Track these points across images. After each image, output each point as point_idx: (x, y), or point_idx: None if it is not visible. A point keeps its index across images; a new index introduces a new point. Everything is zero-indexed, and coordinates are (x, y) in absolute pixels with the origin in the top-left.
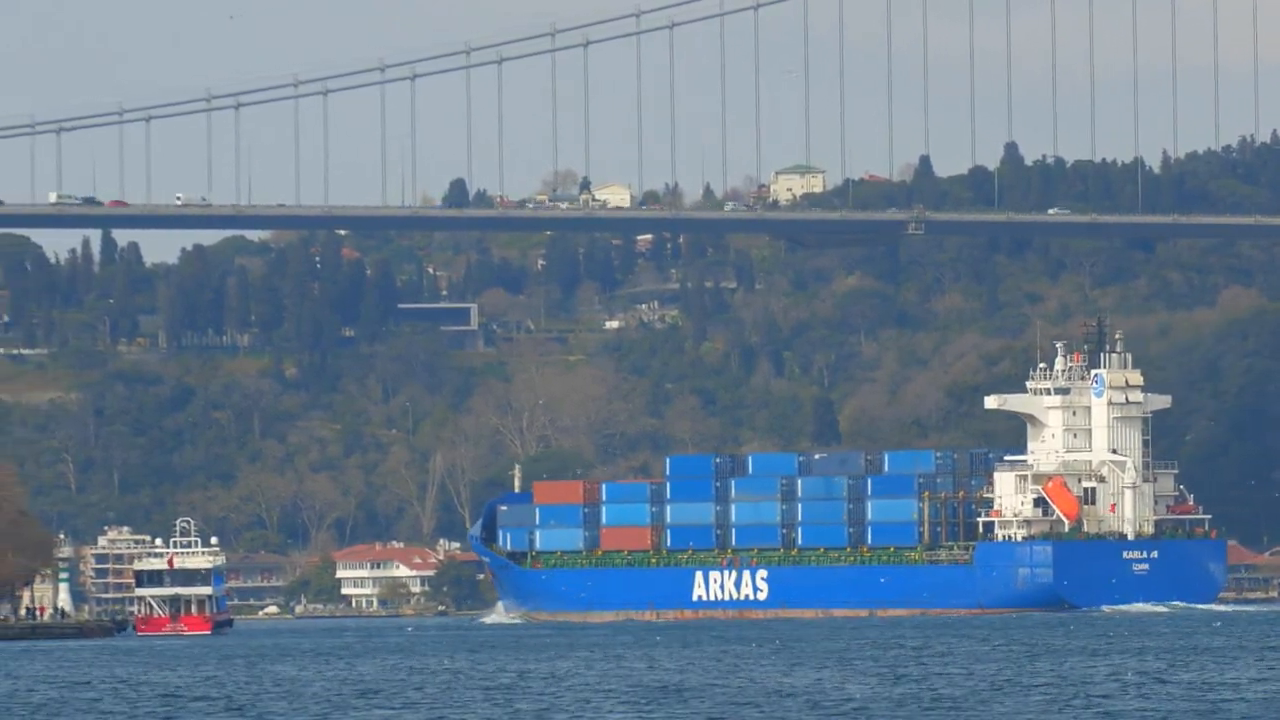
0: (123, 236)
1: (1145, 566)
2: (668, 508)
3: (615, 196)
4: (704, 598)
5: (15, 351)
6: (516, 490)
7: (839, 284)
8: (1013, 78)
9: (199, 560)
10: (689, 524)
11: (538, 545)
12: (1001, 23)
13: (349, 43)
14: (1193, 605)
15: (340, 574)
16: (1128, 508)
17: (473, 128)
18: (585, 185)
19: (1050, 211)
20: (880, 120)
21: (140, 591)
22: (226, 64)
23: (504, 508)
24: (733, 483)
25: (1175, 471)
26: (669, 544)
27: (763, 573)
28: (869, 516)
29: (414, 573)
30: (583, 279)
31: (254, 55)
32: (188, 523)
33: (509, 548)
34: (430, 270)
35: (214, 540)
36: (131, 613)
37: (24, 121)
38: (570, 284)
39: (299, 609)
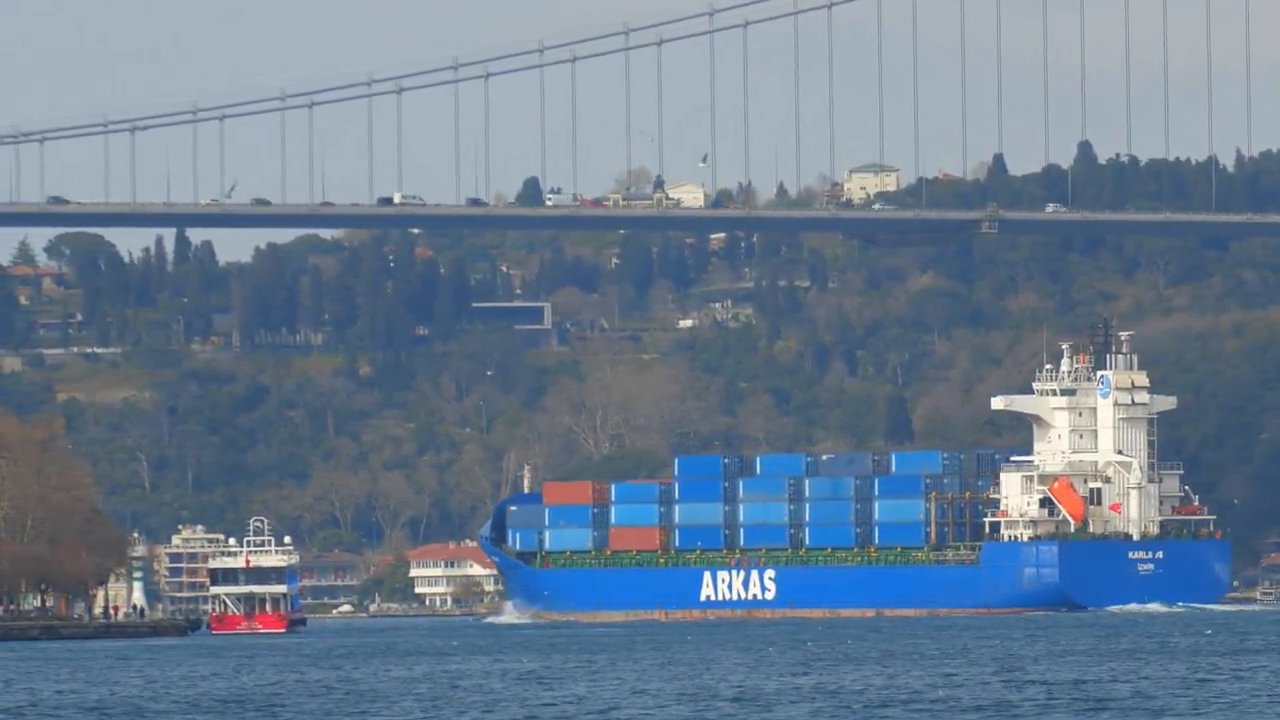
0: (196, 235)
1: (1150, 567)
2: (676, 508)
3: (689, 195)
4: (712, 597)
5: (89, 351)
6: (526, 491)
7: (912, 283)
8: (1087, 76)
9: (274, 559)
10: (697, 524)
11: (547, 545)
12: (1076, 20)
13: (423, 41)
14: (1199, 606)
15: (414, 573)
16: (1133, 508)
17: (546, 126)
18: (659, 184)
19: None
20: (954, 118)
21: (215, 590)
22: (301, 62)
23: (513, 508)
24: (741, 483)
25: (1180, 472)
26: (677, 544)
27: (770, 573)
28: (876, 517)
29: (487, 571)
30: (656, 278)
31: (328, 54)
32: (262, 521)
33: (518, 548)
34: (504, 269)
35: (287, 539)
36: (205, 611)
37: (98, 121)
38: (644, 283)
39: (373, 608)
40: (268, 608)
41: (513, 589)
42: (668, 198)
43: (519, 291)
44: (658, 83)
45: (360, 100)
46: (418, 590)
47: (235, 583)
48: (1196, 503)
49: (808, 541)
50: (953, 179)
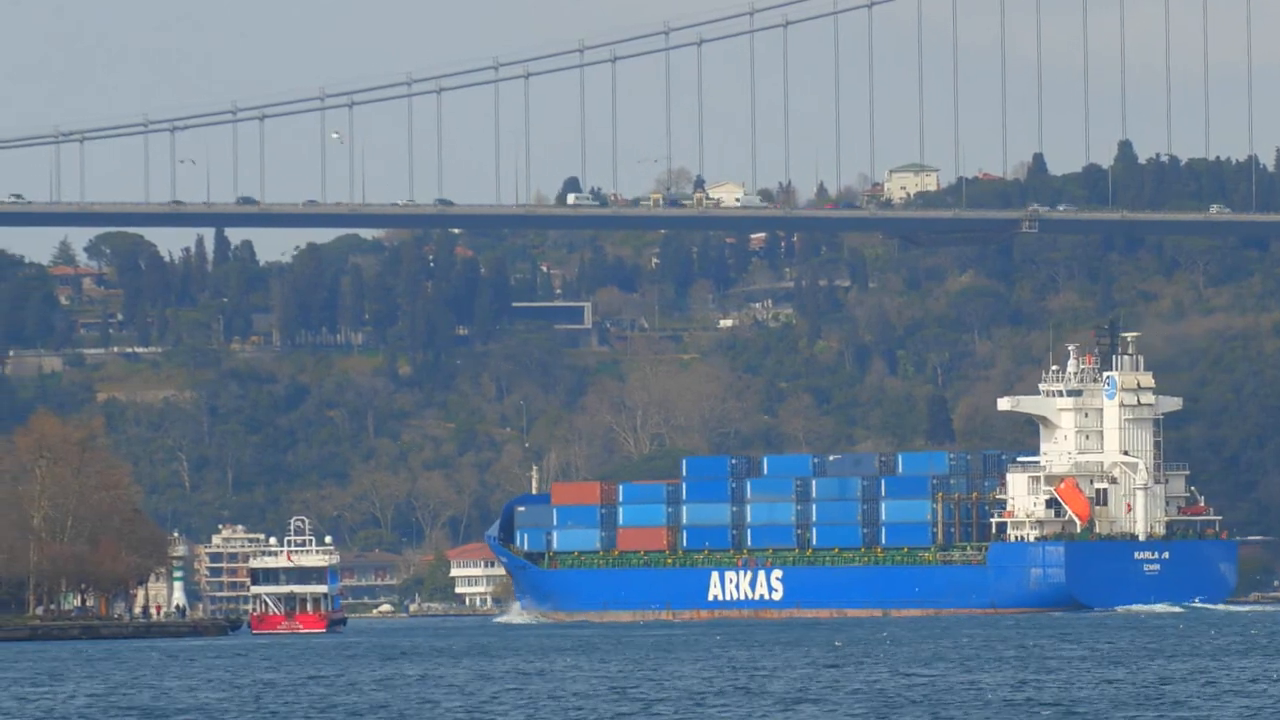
0: (236, 235)
1: (1157, 567)
2: (684, 508)
3: (729, 195)
4: (719, 598)
5: (130, 350)
6: (534, 491)
7: (952, 282)
8: (1127, 76)
9: (314, 558)
10: (705, 524)
11: (555, 546)
12: (1116, 20)
13: (463, 41)
14: (1206, 605)
15: (454, 572)
16: (1139, 509)
17: (586, 126)
18: (699, 184)
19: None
20: (994, 118)
21: (256, 590)
22: (340, 63)
23: (521, 508)
24: (748, 484)
25: (1186, 473)
26: (685, 544)
27: (778, 573)
28: (883, 517)
29: None
30: (696, 277)
31: (367, 54)
32: (302, 521)
33: (526, 548)
34: (544, 269)
35: (328, 539)
36: (245, 611)
37: (138, 121)
38: (684, 282)
39: (413, 607)
40: (308, 607)
41: (521, 589)
42: (708, 198)
43: (559, 291)
44: (698, 82)
45: (400, 100)
46: (458, 590)
47: (276, 582)
48: (1202, 503)
49: (815, 542)
50: (992, 179)
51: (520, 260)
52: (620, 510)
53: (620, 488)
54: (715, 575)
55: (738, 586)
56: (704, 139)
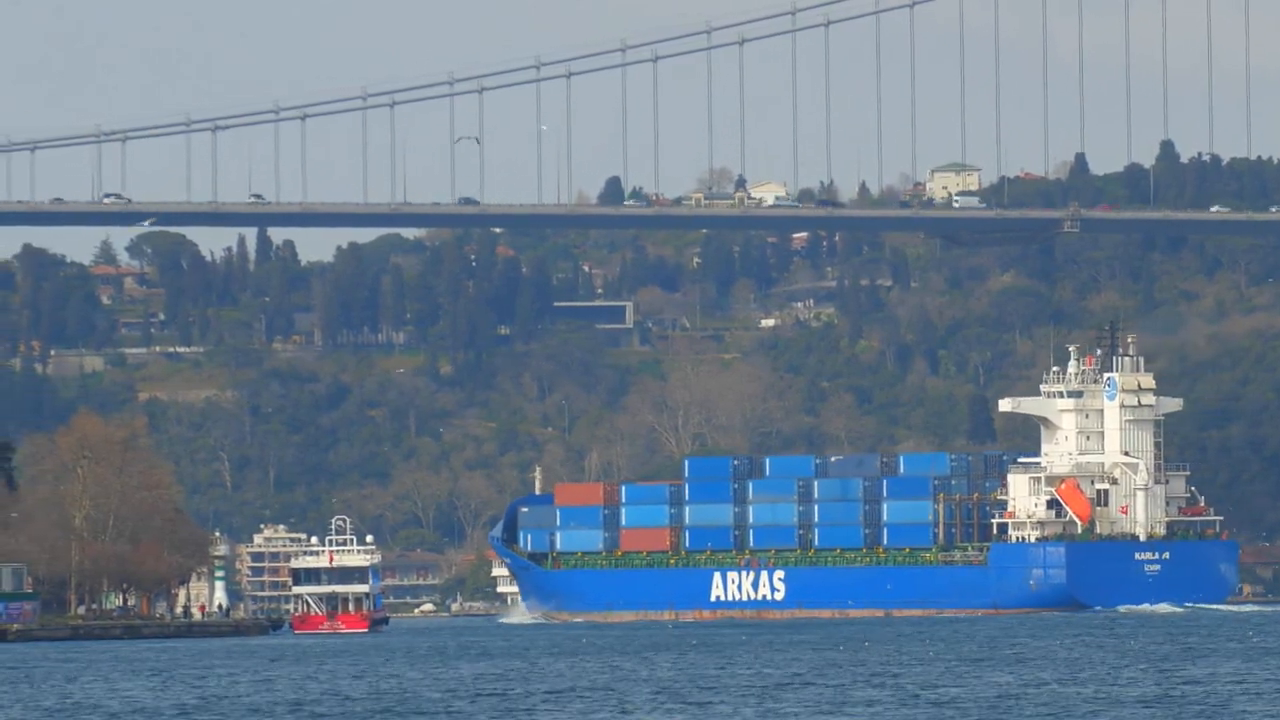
0: (278, 234)
1: (1157, 568)
2: (686, 509)
3: (770, 194)
4: (722, 598)
5: (171, 350)
6: (538, 492)
7: (994, 282)
8: (1169, 75)
9: (356, 558)
10: (707, 525)
11: (558, 546)
12: (1158, 19)
13: (504, 41)
14: (1206, 606)
15: (495, 572)
16: (1140, 509)
17: (628, 126)
18: (740, 183)
19: (1212, 209)
20: (1036, 118)
21: (297, 590)
22: (381, 63)
23: (525, 509)
24: (750, 484)
25: (1187, 474)
26: (688, 545)
27: (780, 573)
28: (884, 518)
29: None
30: (738, 277)
31: (408, 54)
32: (344, 521)
33: (530, 549)
34: (585, 268)
35: (369, 538)
36: (287, 611)
37: (180, 120)
38: (725, 282)
39: (455, 607)
40: (350, 607)
41: (525, 589)
42: (749, 197)
43: (600, 291)
44: (739, 82)
45: (442, 99)
46: (499, 589)
47: (318, 582)
48: (1203, 503)
49: (817, 542)
50: (1034, 178)
51: (562, 260)
52: (623, 511)
53: (623, 488)
54: (718, 576)
55: (740, 587)
56: (745, 139)
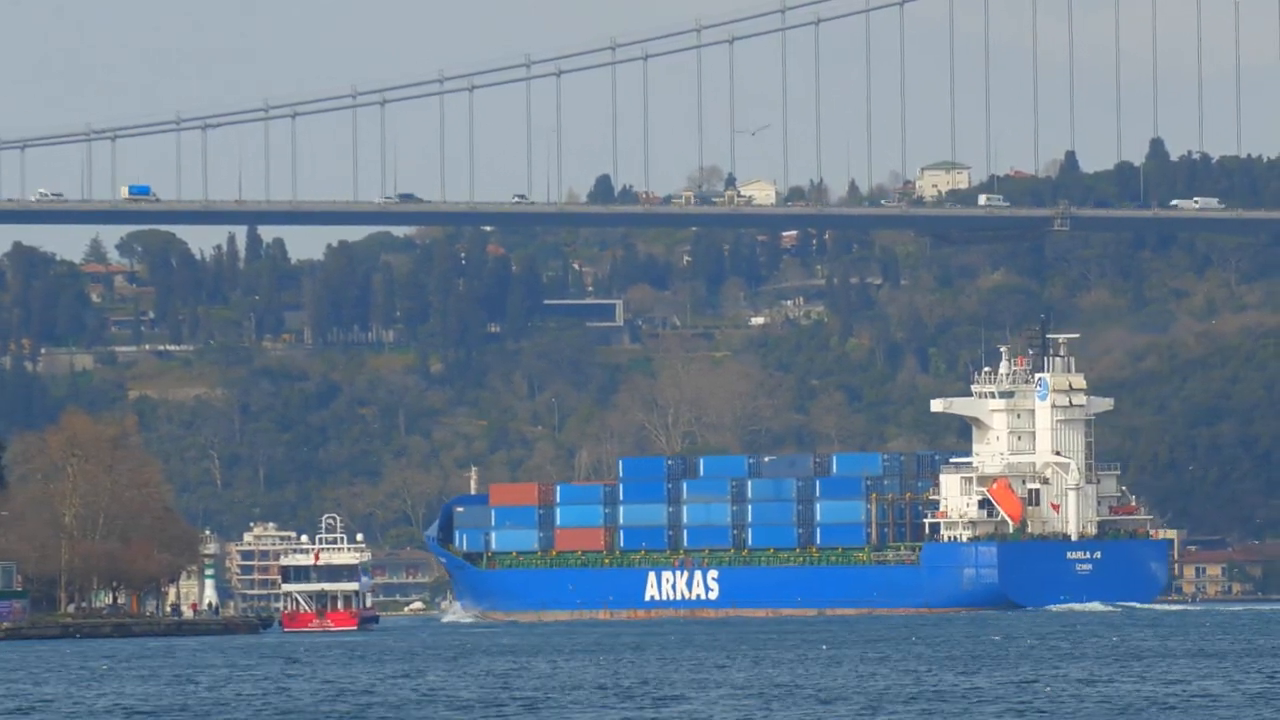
0: (268, 233)
1: (1089, 567)
2: (621, 509)
3: (760, 193)
4: (656, 597)
5: (161, 348)
6: (472, 492)
7: (984, 280)
8: (1158, 72)
9: (345, 556)
10: (642, 525)
11: (493, 546)
12: (1147, 16)
13: (495, 39)
14: (1135, 604)
15: None
16: (1071, 509)
17: (618, 124)
18: (730, 182)
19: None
20: (1025, 116)
21: (287, 587)
22: (371, 61)
23: (460, 509)
24: (684, 484)
25: (1118, 473)
26: (622, 545)
27: (714, 573)
28: (818, 518)
29: None
30: (728, 275)
31: (399, 52)
32: (334, 519)
33: (465, 548)
34: (576, 266)
35: (359, 536)
36: (277, 609)
37: (170, 119)
38: (716, 280)
39: (444, 605)
40: (339, 605)
41: (460, 589)
42: (739, 195)
43: (591, 289)
44: (729, 80)
45: (431, 98)
46: None
47: (307, 580)
48: (1134, 503)
49: (750, 542)
50: (1024, 176)
51: (552, 258)
52: (558, 511)
53: (557, 488)
54: (652, 575)
55: (674, 587)
56: (735, 137)
